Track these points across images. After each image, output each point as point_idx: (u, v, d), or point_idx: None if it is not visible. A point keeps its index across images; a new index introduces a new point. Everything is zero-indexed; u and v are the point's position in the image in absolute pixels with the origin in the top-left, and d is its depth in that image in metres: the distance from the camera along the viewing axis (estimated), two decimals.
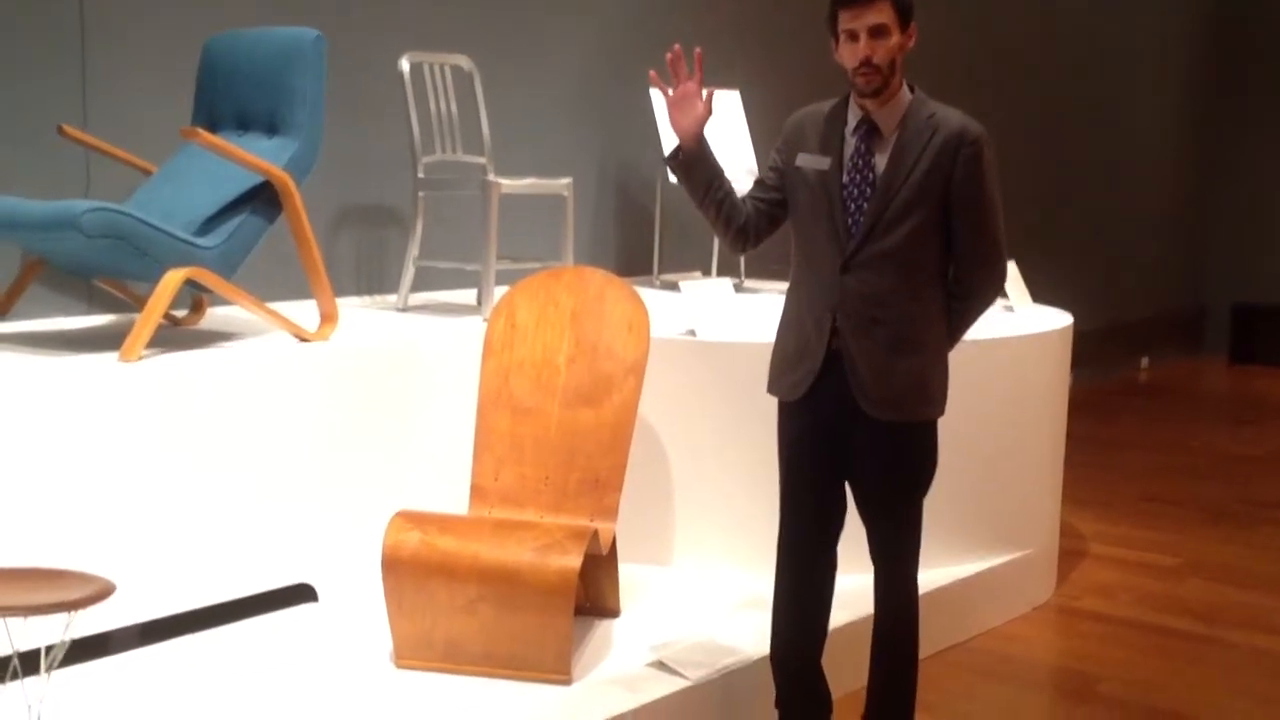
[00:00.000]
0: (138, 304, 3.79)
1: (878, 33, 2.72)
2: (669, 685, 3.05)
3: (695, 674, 3.08)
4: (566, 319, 3.59)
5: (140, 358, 3.17)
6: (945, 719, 3.39)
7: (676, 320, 3.97)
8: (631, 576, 3.71)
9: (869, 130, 2.81)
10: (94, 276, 3.66)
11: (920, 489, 2.94)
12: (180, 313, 3.88)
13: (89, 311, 3.91)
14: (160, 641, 3.19)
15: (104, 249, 3.16)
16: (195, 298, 3.86)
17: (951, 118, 2.79)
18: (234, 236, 3.41)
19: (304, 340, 3.56)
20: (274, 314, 3.52)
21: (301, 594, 3.48)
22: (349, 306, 4.35)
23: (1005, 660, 3.82)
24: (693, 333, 3.89)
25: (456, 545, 3.05)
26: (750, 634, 3.32)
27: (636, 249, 5.43)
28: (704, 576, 3.82)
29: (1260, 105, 9.74)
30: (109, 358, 3.18)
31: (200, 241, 3.34)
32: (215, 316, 3.93)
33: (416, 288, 4.45)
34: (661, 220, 5.25)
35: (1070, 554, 4.71)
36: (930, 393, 2.87)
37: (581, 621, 3.40)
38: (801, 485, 2.95)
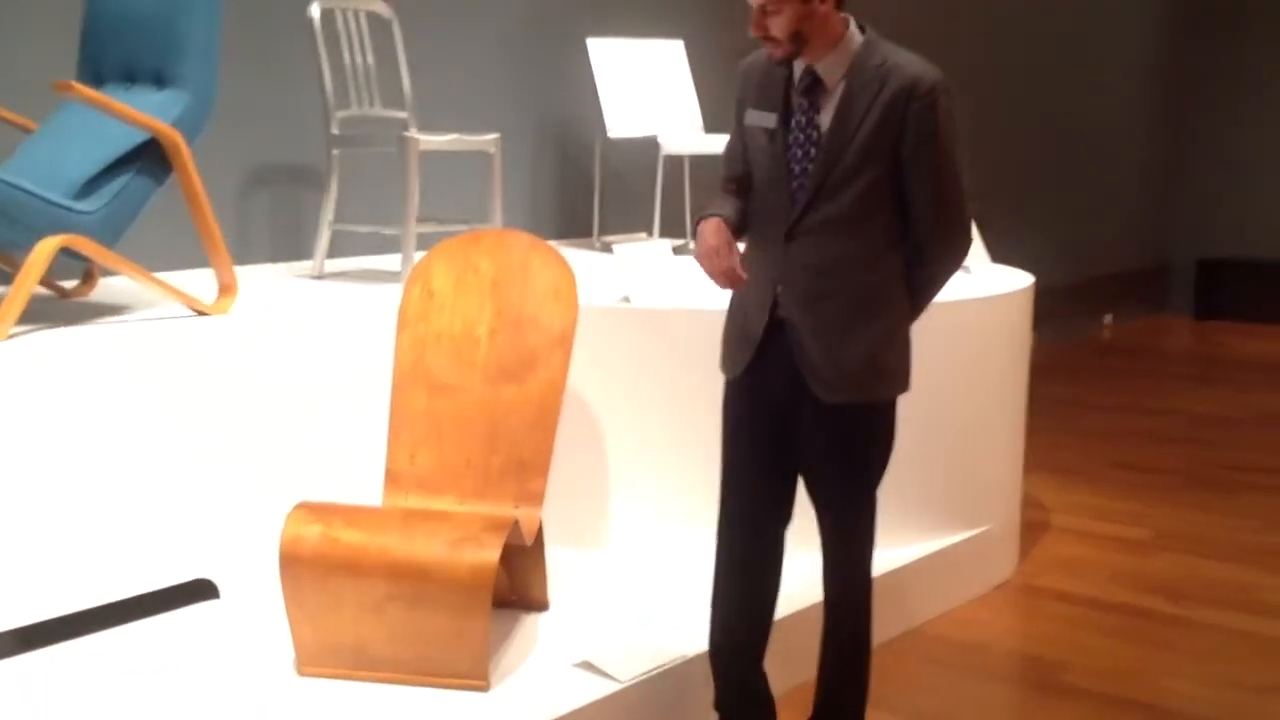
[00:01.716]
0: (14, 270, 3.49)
1: (768, 9, 2.44)
2: (596, 688, 2.78)
3: (625, 674, 2.82)
4: (487, 287, 3.30)
5: (8, 335, 2.87)
6: (899, 714, 3.15)
7: (611, 287, 3.69)
8: (564, 563, 3.44)
9: (812, 83, 2.53)
10: None
11: (875, 474, 2.68)
12: (70, 284, 3.58)
13: None
14: (44, 646, 2.91)
15: None
16: (86, 268, 3.55)
17: (904, 66, 2.49)
18: (117, 200, 3.11)
19: (200, 313, 3.27)
20: (164, 285, 3.22)
21: (201, 590, 3.19)
22: (262, 274, 4.06)
23: (963, 648, 3.57)
24: (627, 299, 3.60)
25: (362, 539, 2.77)
26: (690, 628, 3.06)
27: (576, 211, 5.13)
28: (642, 563, 3.55)
29: (1227, 58, 9.50)
30: None
31: (78, 206, 3.03)
32: (109, 288, 3.62)
33: (336, 253, 4.16)
34: (602, 180, 4.95)
35: (1033, 527, 4.47)
36: (886, 371, 2.61)
37: (505, 616, 3.13)
38: (744, 467, 2.69)
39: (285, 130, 4.18)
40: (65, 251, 3.02)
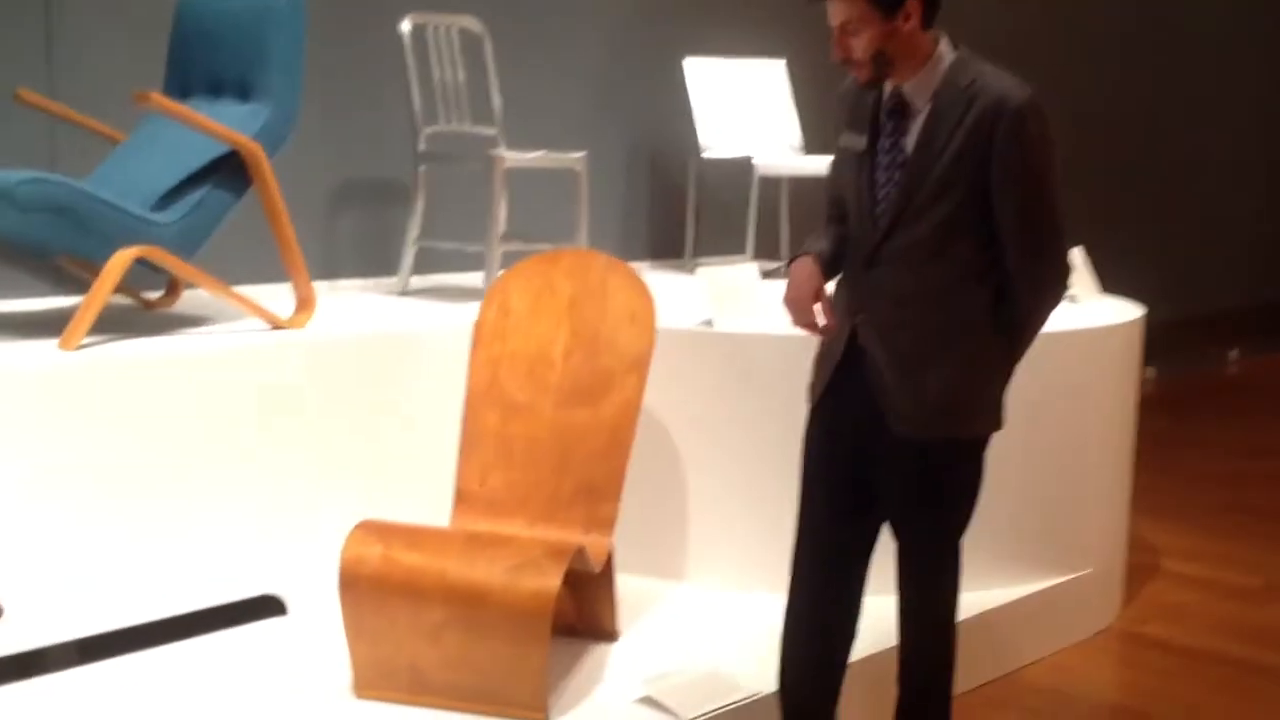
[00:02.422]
0: None
1: (848, 30, 2.33)
2: None
3: (687, 712, 2.71)
4: (564, 307, 3.23)
5: (80, 345, 2.87)
6: None
7: (696, 310, 3.59)
8: (636, 593, 3.35)
9: (899, 104, 2.40)
10: (50, 256, 3.36)
11: (957, 520, 2.53)
12: (153, 295, 3.59)
13: (55, 293, 3.62)
14: (107, 658, 2.89)
15: (44, 224, 2.85)
16: (169, 279, 3.56)
17: (991, 85, 2.34)
18: (195, 212, 3.10)
19: (276, 327, 3.24)
20: (240, 298, 3.20)
21: (268, 607, 3.16)
22: (348, 290, 4.04)
23: (1055, 697, 3.39)
24: (709, 323, 3.50)
25: (422, 562, 2.70)
26: (761, 666, 2.94)
27: (668, 232, 5.04)
28: (717, 597, 3.44)
29: None
30: (51, 344, 2.88)
31: (155, 217, 3.02)
32: (193, 300, 3.62)
33: (423, 269, 4.12)
34: (696, 201, 4.86)
35: (1140, 570, 4.25)
36: (967, 407, 2.44)
37: (571, 645, 3.04)
38: (819, 505, 2.57)
39: (373, 146, 4.17)
40: (143, 263, 3.02)
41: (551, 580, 2.63)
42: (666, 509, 3.53)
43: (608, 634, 3.11)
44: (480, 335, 3.22)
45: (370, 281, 4.19)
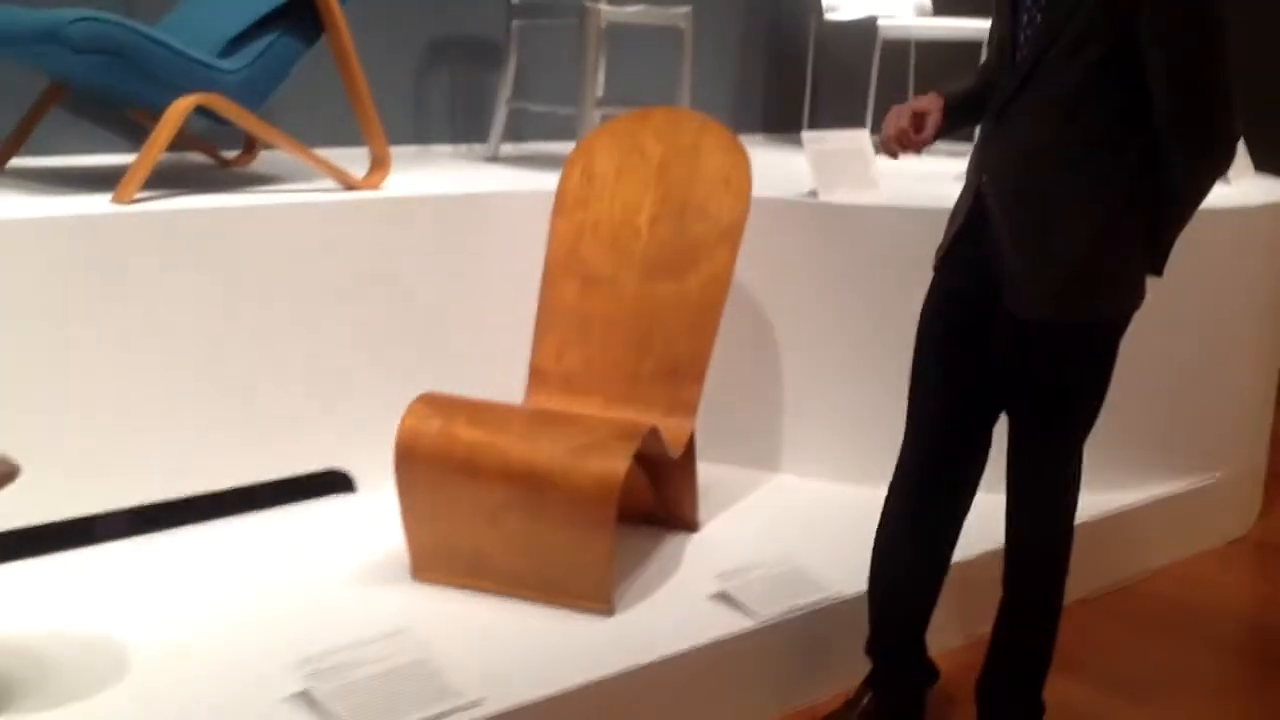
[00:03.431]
0: (182, 141, 3.36)
1: None
2: (730, 624, 2.47)
3: (764, 612, 2.50)
4: (653, 171, 2.98)
5: (135, 199, 2.71)
6: (1092, 683, 2.73)
7: (803, 183, 3.32)
8: (721, 482, 3.15)
9: None
10: (117, 105, 3.21)
11: (1080, 416, 2.25)
12: (231, 153, 3.43)
13: (130, 149, 3.48)
14: (161, 529, 2.78)
15: (99, 67, 2.68)
16: (246, 138, 3.39)
17: None
18: (262, 59, 2.91)
19: (350, 188, 3.06)
20: (312, 156, 3.02)
21: (335, 483, 3.02)
22: (438, 154, 3.84)
23: (1180, 609, 3.11)
24: (814, 194, 3.23)
25: (482, 439, 2.52)
26: (849, 565, 2.72)
27: (785, 102, 4.73)
28: (808, 489, 3.21)
29: None
30: (107, 197, 2.73)
31: (218, 63, 2.84)
32: (271, 162, 3.46)
33: (517, 136, 3.90)
34: (815, 67, 4.54)
35: None
36: (1097, 288, 2.16)
37: (647, 535, 2.85)
38: (931, 383, 2.32)
39: (463, 1, 3.92)
40: (210, 115, 2.84)
41: (618, 463, 2.43)
42: (756, 393, 3.29)
43: (688, 524, 2.91)
44: (562, 201, 3.00)
45: (462, 148, 3.98)
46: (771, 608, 2.51)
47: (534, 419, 2.58)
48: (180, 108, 2.74)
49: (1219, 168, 2.17)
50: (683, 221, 2.93)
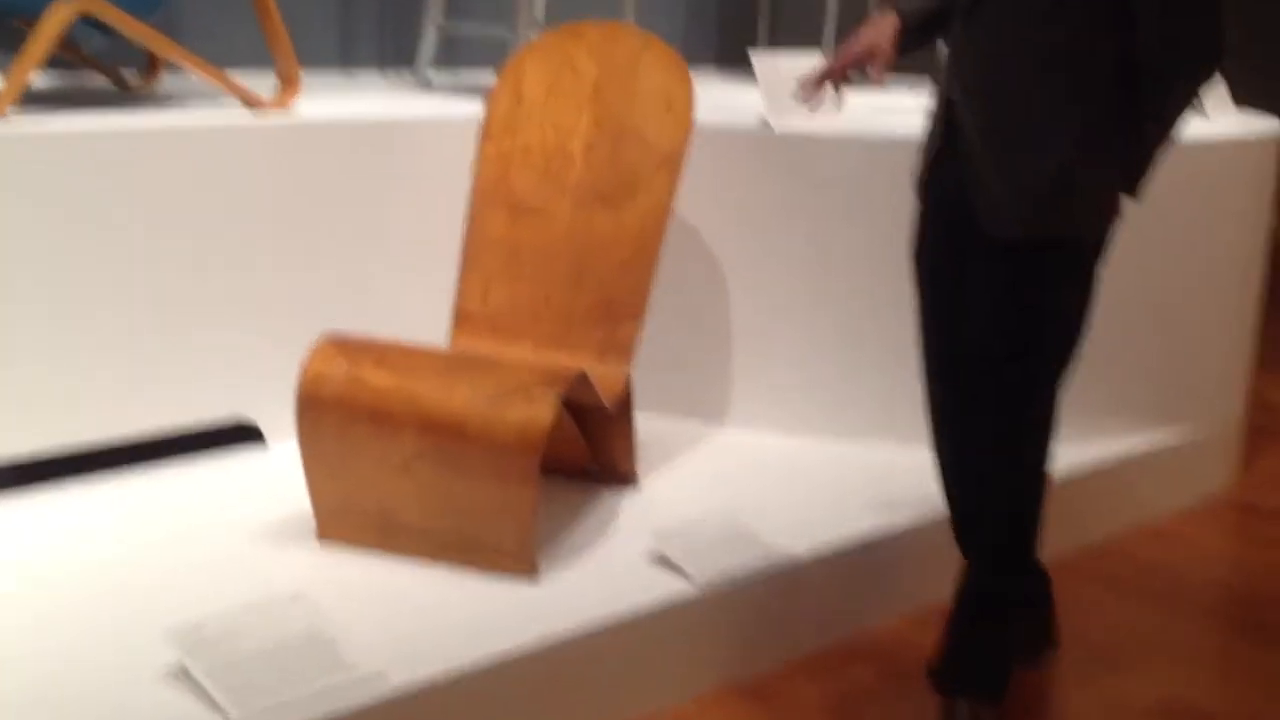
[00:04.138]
0: (79, 62, 3.07)
1: None
2: (666, 588, 2.23)
3: (703, 575, 2.27)
4: (587, 92, 2.72)
5: (4, 114, 2.43)
6: (1065, 648, 2.50)
7: (752, 112, 3.06)
8: (662, 433, 2.91)
9: None
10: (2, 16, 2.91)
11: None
12: (130, 77, 3.14)
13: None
14: (52, 480, 2.52)
15: None
16: (149, 58, 3.10)
17: None
18: None
19: (255, 107, 2.78)
20: (213, 72, 2.74)
21: (242, 434, 2.76)
22: (363, 81, 3.56)
23: (1151, 570, 2.90)
24: (766, 124, 2.97)
25: (392, 384, 2.26)
26: (799, 522, 2.50)
27: (740, 27, 4.45)
28: (756, 441, 2.97)
29: None
30: None
31: None
32: (177, 85, 3.17)
33: (450, 61, 3.62)
34: None
35: (1261, 434, 3.70)
36: (1074, 200, 2.00)
37: (579, 490, 2.61)
38: (923, 285, 2.20)
39: None
40: (94, 25, 2.56)
41: (542, 411, 2.18)
42: (700, 339, 3.05)
43: (624, 479, 2.67)
44: (489, 126, 2.74)
45: (390, 74, 3.70)
46: (713, 570, 2.27)
47: (451, 363, 2.32)
48: (59, 13, 2.45)
49: (1203, 74, 1.99)
50: (619, 147, 2.67)
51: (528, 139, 2.71)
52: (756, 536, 2.40)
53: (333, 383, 2.27)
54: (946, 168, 2.07)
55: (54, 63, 3.17)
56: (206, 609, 1.93)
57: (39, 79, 3.12)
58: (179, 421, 2.67)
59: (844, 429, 2.96)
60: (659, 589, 2.22)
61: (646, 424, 2.80)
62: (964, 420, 2.15)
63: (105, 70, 3.12)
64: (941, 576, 2.32)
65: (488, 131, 2.73)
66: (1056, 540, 2.73)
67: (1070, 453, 2.84)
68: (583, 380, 2.31)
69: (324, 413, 2.27)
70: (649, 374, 2.77)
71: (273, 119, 2.73)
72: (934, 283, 2.16)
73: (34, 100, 2.72)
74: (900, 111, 3.22)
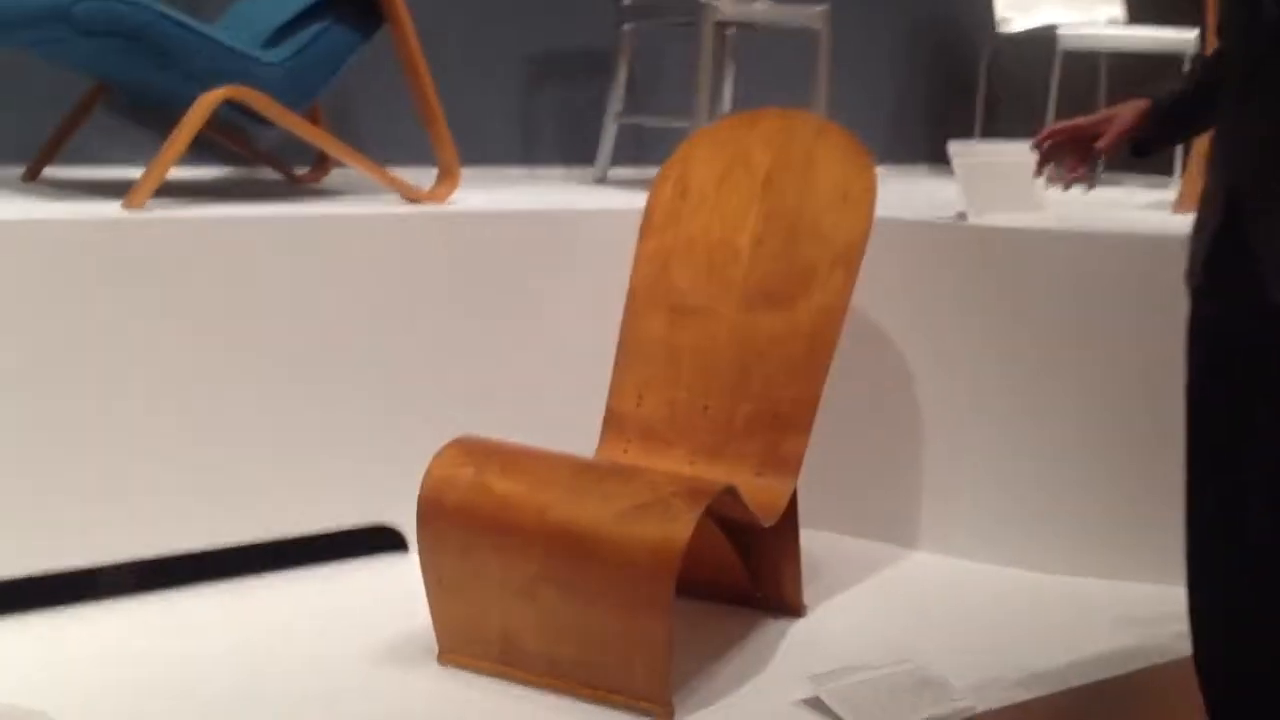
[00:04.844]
0: (252, 156, 3.03)
1: None
2: None
3: None
4: (758, 184, 2.49)
5: (144, 205, 2.35)
6: None
7: (947, 202, 2.79)
8: (845, 557, 2.62)
9: None
10: (158, 105, 2.87)
11: None
12: (301, 170, 3.08)
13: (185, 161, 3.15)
14: (167, 586, 2.39)
15: (115, 53, 2.34)
16: (318, 154, 3.03)
17: None
18: (307, 51, 2.55)
19: (412, 201, 2.65)
20: (367, 162, 2.63)
21: (382, 540, 2.59)
22: (545, 178, 3.43)
23: None
24: (962, 215, 2.69)
25: (517, 492, 2.04)
26: (990, 669, 2.16)
27: (951, 123, 4.17)
28: (951, 570, 2.64)
29: None
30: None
31: (255, 54, 2.47)
32: (342, 179, 3.09)
33: (635, 157, 3.46)
34: (989, 85, 3.98)
35: None
36: None
37: (738, 620, 2.33)
38: (1205, 434, 1.76)
39: (574, 10, 3.50)
40: (244, 111, 2.48)
41: (679, 529, 1.92)
42: (884, 451, 2.75)
43: (790, 608, 2.37)
44: (651, 218, 2.53)
45: (576, 170, 3.56)
46: None
47: (584, 471, 2.09)
48: (207, 100, 2.37)
49: None
50: (792, 242, 2.43)
51: (692, 233, 2.49)
52: (938, 684, 2.07)
53: (458, 490, 2.07)
54: (1231, 266, 1.69)
55: (227, 157, 3.15)
56: None
57: (212, 171, 3.09)
58: (320, 526, 2.52)
59: (1052, 558, 2.61)
60: None
61: (823, 544, 2.53)
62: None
63: (274, 163, 3.07)
64: None
65: (648, 224, 2.53)
66: None
67: None
68: (730, 495, 2.05)
69: (447, 523, 2.07)
70: (826, 487, 2.50)
71: (426, 210, 2.59)
72: (1213, 403, 1.74)
73: (198, 191, 2.67)
74: (1117, 206, 2.89)
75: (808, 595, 2.40)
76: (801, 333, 2.37)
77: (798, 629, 2.32)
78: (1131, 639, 2.31)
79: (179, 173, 3.05)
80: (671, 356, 2.45)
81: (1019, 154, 2.77)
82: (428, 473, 2.09)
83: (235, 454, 2.39)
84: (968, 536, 2.70)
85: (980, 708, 2.04)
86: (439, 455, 2.11)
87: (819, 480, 2.43)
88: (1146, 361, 2.50)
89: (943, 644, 2.26)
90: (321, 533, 2.52)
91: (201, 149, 3.11)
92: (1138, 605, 2.44)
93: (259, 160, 3.07)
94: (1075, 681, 2.16)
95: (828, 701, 1.99)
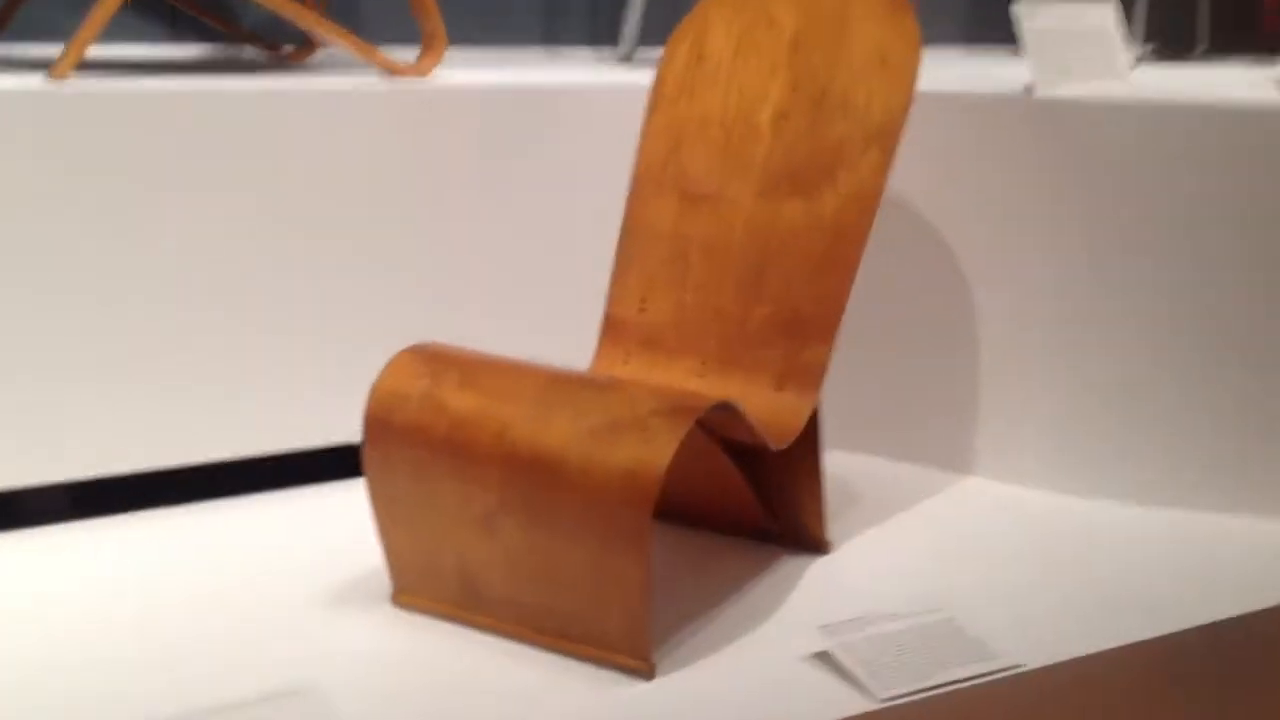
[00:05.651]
0: (228, 31, 2.73)
1: None
2: (828, 701, 1.60)
3: (883, 687, 1.63)
4: (783, 49, 2.13)
5: (67, 75, 2.06)
6: None
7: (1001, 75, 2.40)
8: (885, 484, 2.28)
9: None
10: None
11: None
12: (288, 48, 2.78)
13: (172, 39, 2.85)
14: (112, 512, 2.13)
15: None
16: (304, 34, 2.73)
17: None
18: None
19: (393, 73, 2.34)
20: (341, 32, 2.31)
21: (348, 463, 2.30)
22: (568, 58, 3.08)
23: None
24: (1030, 89, 2.30)
25: (475, 409, 1.73)
26: (1044, 619, 1.82)
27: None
28: (1008, 499, 2.29)
29: None
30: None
31: None
32: (331, 57, 2.79)
33: (661, 40, 3.09)
34: None
35: None
36: None
37: (750, 558, 2.01)
38: None
39: None
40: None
41: (656, 452, 1.60)
42: (926, 363, 2.39)
43: (812, 543, 2.05)
44: (660, 91, 2.18)
45: (600, 51, 3.21)
46: (897, 681, 1.63)
47: (555, 384, 1.77)
48: None
49: None
50: (819, 117, 2.06)
51: (706, 107, 2.14)
52: (972, 634, 1.74)
53: (408, 406, 1.77)
54: None
55: (212, 35, 2.86)
56: (215, 693, 1.46)
57: (194, 50, 2.80)
58: (284, 445, 2.24)
59: (1129, 487, 2.25)
60: (818, 701, 1.60)
61: (859, 469, 2.20)
62: None
63: (262, 43, 2.77)
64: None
65: (657, 98, 2.18)
66: None
67: None
68: (727, 412, 1.72)
69: (395, 444, 1.77)
70: (865, 406, 2.17)
71: (404, 84, 2.27)
72: None
73: (179, 68, 2.38)
74: (1201, 78, 2.49)
75: (835, 529, 2.08)
76: (827, 223, 2.02)
77: (817, 569, 1.99)
78: (1225, 584, 1.95)
79: (156, 51, 2.78)
80: (679, 252, 2.11)
81: (1101, 15, 2.38)
82: (375, 386, 1.79)
83: (184, 363, 2.12)
84: (1034, 460, 2.34)
85: (1030, 665, 1.71)
86: (390, 365, 1.81)
87: (858, 396, 2.11)
88: (1252, 258, 2.12)
89: (990, 588, 1.92)
90: (286, 452, 2.24)
91: (183, 27, 2.84)
92: (1235, 542, 2.08)
93: (243, 38, 2.78)
94: (1146, 633, 1.81)
95: (838, 656, 1.67)
